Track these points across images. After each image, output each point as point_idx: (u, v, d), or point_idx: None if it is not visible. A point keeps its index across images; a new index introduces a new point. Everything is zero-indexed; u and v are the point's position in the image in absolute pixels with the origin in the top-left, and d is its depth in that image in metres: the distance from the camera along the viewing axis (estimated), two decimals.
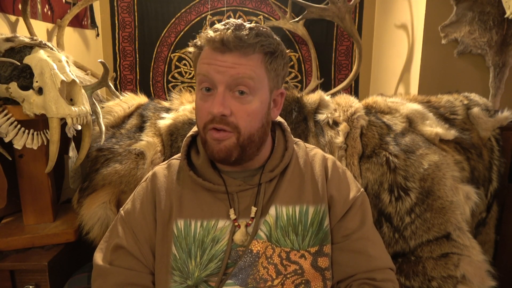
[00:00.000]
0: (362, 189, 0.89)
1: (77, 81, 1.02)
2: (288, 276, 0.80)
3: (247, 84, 0.73)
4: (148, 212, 0.85)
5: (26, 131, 1.01)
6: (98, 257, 0.84)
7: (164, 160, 1.01)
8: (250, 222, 0.81)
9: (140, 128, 1.24)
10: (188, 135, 0.89)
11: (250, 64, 0.73)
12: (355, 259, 0.83)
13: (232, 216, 0.80)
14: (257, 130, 0.77)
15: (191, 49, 0.80)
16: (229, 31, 0.72)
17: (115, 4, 2.16)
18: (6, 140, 0.99)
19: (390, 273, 0.85)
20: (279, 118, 0.91)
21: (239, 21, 0.76)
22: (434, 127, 1.23)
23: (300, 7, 1.88)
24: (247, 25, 0.75)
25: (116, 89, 1.25)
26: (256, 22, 2.09)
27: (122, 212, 0.88)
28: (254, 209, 0.81)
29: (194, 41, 0.78)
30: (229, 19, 2.17)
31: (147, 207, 0.85)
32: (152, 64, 2.25)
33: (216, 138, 0.75)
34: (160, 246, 0.82)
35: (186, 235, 0.80)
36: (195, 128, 0.90)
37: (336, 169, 0.89)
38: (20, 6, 1.42)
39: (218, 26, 0.75)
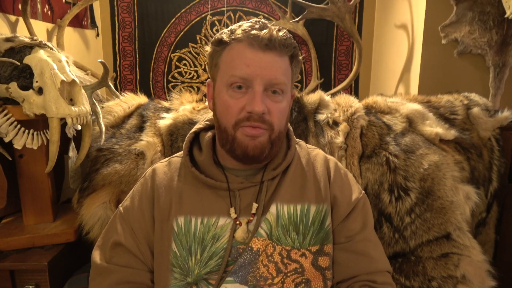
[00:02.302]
0: (363, 191, 0.90)
1: (77, 81, 1.02)
2: (289, 274, 0.80)
3: (282, 85, 0.77)
4: (146, 209, 0.84)
5: (26, 131, 1.01)
6: (96, 255, 0.84)
7: None
8: (251, 218, 0.81)
9: (140, 128, 1.24)
10: (191, 131, 0.89)
11: (283, 65, 0.77)
12: (357, 260, 0.83)
13: (233, 215, 0.80)
14: (283, 128, 0.81)
15: (208, 47, 0.82)
16: (274, 30, 0.74)
17: (115, 4, 2.16)
18: (6, 140, 0.99)
19: (389, 276, 0.86)
20: None
21: (264, 21, 0.78)
22: (434, 127, 1.23)
23: (300, 7, 1.88)
24: (273, 26, 0.77)
25: (116, 89, 1.25)
26: None
27: (121, 208, 0.87)
28: (255, 205, 0.81)
29: (219, 37, 0.78)
30: (229, 19, 2.18)
31: (145, 203, 0.85)
32: (152, 64, 2.25)
33: (252, 135, 0.76)
34: (159, 244, 0.82)
35: (186, 232, 0.80)
36: (198, 125, 0.90)
37: (338, 170, 0.90)
38: (20, 6, 1.42)
39: (250, 24, 0.76)
